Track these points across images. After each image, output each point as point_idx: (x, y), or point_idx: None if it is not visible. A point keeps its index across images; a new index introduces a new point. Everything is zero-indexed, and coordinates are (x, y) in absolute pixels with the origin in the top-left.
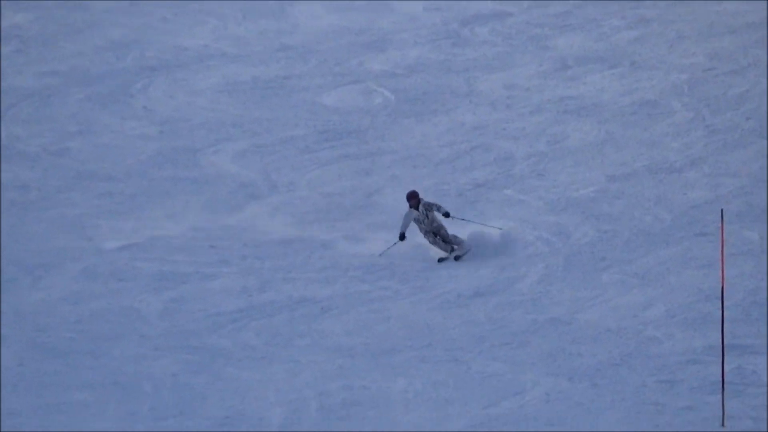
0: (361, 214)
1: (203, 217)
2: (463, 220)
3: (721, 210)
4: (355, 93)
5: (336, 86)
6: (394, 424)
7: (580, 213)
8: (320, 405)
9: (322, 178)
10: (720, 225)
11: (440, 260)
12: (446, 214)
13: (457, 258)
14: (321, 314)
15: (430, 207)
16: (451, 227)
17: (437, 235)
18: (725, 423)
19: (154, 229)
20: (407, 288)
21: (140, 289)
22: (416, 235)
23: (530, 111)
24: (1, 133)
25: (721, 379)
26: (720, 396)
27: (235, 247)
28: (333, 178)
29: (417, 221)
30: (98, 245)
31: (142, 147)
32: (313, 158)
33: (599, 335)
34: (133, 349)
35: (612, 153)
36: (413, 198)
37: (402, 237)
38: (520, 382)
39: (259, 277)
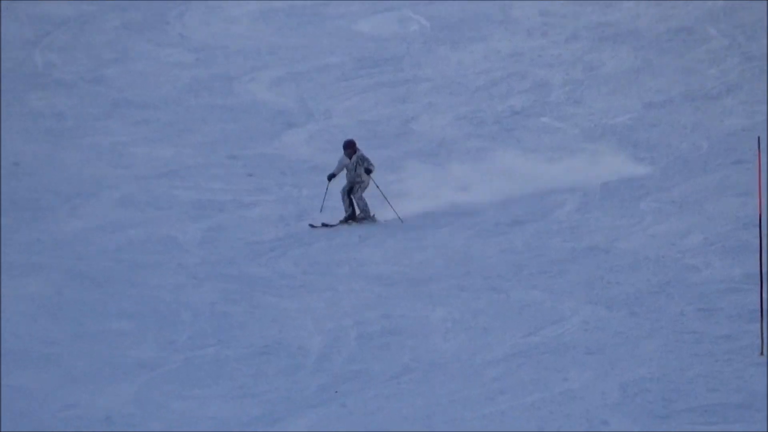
0: (397, 142)
1: (240, 145)
2: (377, 187)
3: (758, 138)
4: (390, 20)
5: (372, 13)
6: (433, 353)
7: (617, 140)
8: (359, 334)
9: (358, 106)
10: (757, 152)
11: (310, 226)
12: (367, 170)
13: (340, 222)
14: (359, 243)
15: (362, 161)
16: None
17: (351, 188)
18: (764, 351)
19: (191, 157)
20: (445, 216)
21: (178, 218)
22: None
23: (566, 38)
24: (37, 60)
25: (759, 307)
26: (759, 324)
27: (273, 175)
28: (369, 106)
29: (347, 168)
30: (135, 173)
31: (179, 74)
32: (349, 86)
33: (637, 263)
34: (171, 278)
35: (648, 80)
36: (350, 147)
37: (330, 177)
38: (559, 311)
39: (297, 205)
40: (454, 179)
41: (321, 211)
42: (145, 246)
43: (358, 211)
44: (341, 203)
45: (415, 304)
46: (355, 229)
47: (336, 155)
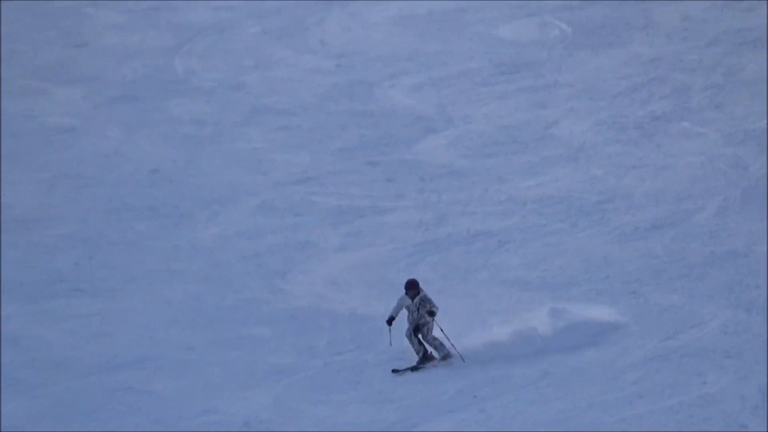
0: (537, 147)
1: (379, 151)
2: (442, 330)
3: None
4: (531, 25)
5: (512, 19)
6: (572, 357)
7: (758, 145)
8: (498, 338)
9: (498, 111)
10: None
11: (394, 371)
12: (430, 312)
13: (419, 365)
14: (498, 248)
15: (424, 303)
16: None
17: (419, 331)
18: None
19: (330, 163)
20: (584, 221)
21: (316, 224)
22: None
23: (706, 42)
24: (177, 67)
25: None
26: None
27: (412, 180)
28: (509, 111)
29: (408, 309)
30: (274, 179)
31: (318, 80)
32: (489, 91)
33: None
34: (310, 284)
35: None
36: (412, 288)
37: (390, 321)
38: (698, 314)
39: (436, 210)
40: (594, 183)
41: (390, 344)
42: (283, 252)
43: (431, 349)
44: (410, 347)
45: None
46: (495, 234)
47: (475, 160)
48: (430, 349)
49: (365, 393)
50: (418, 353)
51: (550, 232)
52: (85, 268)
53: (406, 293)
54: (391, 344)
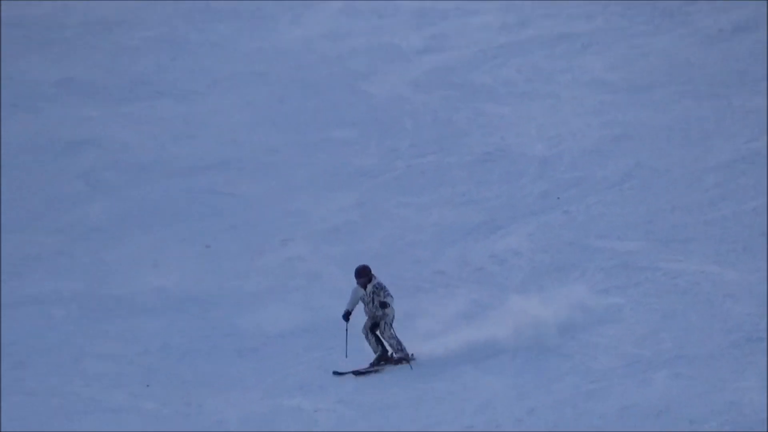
0: None
1: None
2: (390, 326)
3: None
4: None
5: None
6: (656, 159)
7: None
8: (581, 141)
9: None
10: None
11: (335, 373)
12: (383, 304)
13: (371, 367)
14: (582, 50)
15: (378, 291)
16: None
17: (376, 325)
18: None
19: None
20: (668, 23)
21: (400, 26)
22: None
23: None
24: None
25: None
26: None
27: None
28: None
29: (363, 301)
30: None
31: None
32: None
33: None
34: (393, 87)
35: None
36: (362, 275)
37: (346, 316)
38: None
39: (520, 12)
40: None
41: (347, 356)
42: (367, 54)
43: (390, 351)
44: (367, 345)
45: (637, 111)
46: (579, 37)
47: None
48: (390, 349)
49: (449, 195)
50: (375, 352)
51: (634, 35)
52: (168, 70)
53: (357, 282)
54: (346, 356)
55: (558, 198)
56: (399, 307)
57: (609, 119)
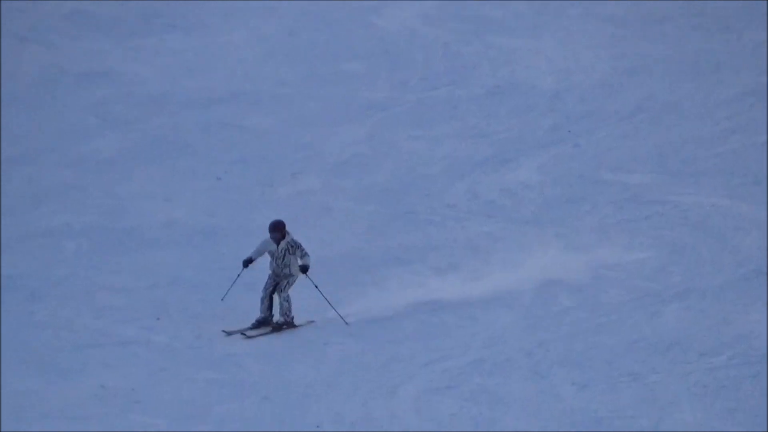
0: None
1: None
2: (316, 287)
3: None
4: None
5: None
6: (667, 93)
7: None
8: (592, 73)
9: None
10: None
11: (224, 332)
12: (304, 267)
13: (255, 327)
14: None
15: (293, 248)
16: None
17: (276, 284)
18: None
19: None
20: None
21: None
22: None
23: None
24: None
25: None
26: None
27: None
28: None
29: (272, 255)
30: None
31: None
32: None
33: None
34: (403, 19)
35: None
36: (277, 230)
37: (246, 263)
38: None
39: None
40: None
41: (222, 299)
42: None
43: (276, 316)
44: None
45: (648, 45)
46: None
47: None
48: (275, 314)
49: (460, 127)
50: (261, 313)
51: None
52: (180, 3)
53: (270, 236)
54: (223, 299)
55: (569, 131)
56: (410, 240)
57: (619, 53)
